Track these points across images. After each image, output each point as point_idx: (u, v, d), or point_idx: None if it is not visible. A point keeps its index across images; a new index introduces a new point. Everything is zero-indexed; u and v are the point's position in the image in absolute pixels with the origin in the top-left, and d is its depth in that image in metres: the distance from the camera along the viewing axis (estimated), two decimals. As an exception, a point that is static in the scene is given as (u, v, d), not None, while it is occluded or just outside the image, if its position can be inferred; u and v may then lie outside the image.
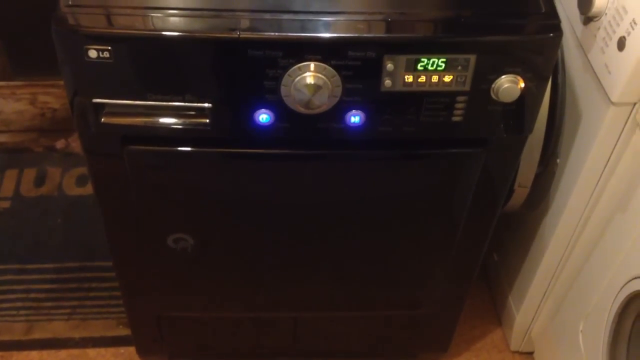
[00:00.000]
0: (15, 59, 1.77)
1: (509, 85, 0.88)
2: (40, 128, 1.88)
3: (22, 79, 1.80)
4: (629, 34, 0.90)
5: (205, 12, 0.86)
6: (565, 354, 1.29)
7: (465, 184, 1.04)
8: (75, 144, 1.85)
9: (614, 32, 0.92)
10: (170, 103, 0.89)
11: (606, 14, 0.94)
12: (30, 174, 1.79)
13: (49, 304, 1.53)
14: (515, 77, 0.88)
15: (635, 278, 1.02)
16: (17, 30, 1.72)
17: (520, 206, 1.18)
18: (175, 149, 0.96)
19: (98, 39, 0.83)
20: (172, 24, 0.85)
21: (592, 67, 1.00)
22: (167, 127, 0.92)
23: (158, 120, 0.92)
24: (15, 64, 1.77)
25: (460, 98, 0.90)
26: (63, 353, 1.45)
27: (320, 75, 0.85)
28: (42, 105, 1.84)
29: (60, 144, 1.87)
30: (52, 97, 1.83)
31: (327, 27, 0.85)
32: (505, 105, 0.91)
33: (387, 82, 0.87)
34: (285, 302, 1.29)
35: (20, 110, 1.85)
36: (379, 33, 0.87)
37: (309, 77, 0.85)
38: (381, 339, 1.43)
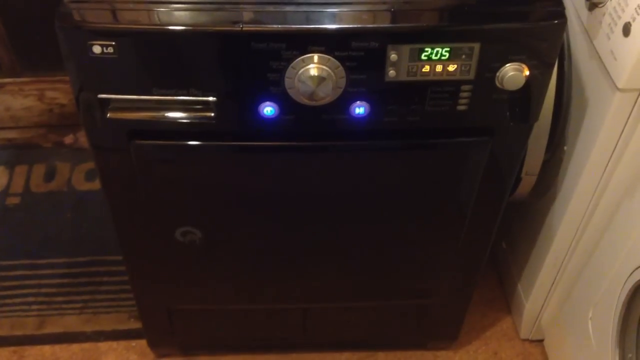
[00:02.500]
0: (22, 55, 1.77)
1: (513, 73, 0.88)
2: (48, 124, 1.89)
3: (30, 75, 1.80)
4: (634, 19, 0.89)
5: (208, 5, 0.86)
6: (574, 341, 1.29)
7: (472, 172, 1.04)
8: (83, 139, 1.86)
9: (619, 18, 0.92)
10: (175, 97, 0.89)
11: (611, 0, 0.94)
12: (39, 169, 1.80)
13: (61, 298, 1.54)
14: (520, 65, 0.88)
15: (644, 264, 1.02)
16: (23, 26, 1.73)
17: (528, 194, 1.18)
18: (181, 142, 0.96)
19: (102, 34, 0.83)
20: (175, 18, 0.85)
21: (597, 53, 0.99)
22: (172, 121, 0.92)
23: (163, 115, 0.92)
24: (23, 60, 1.78)
25: (465, 87, 0.90)
26: (75, 347, 1.46)
27: (324, 66, 0.85)
28: (50, 101, 1.85)
29: (68, 139, 1.87)
30: (60, 92, 1.84)
31: (330, 18, 0.85)
32: (511, 93, 0.91)
33: (391, 73, 0.87)
34: (294, 294, 1.30)
35: (28, 106, 1.86)
36: (382, 23, 0.87)
37: (313, 69, 0.85)
38: (391, 328, 1.43)
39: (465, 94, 0.91)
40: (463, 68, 0.87)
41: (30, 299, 1.53)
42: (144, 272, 1.22)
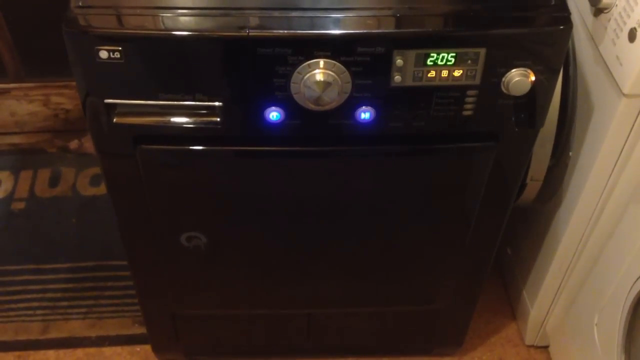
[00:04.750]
0: (28, 60, 1.78)
1: (519, 78, 0.88)
2: (53, 129, 1.89)
3: (35, 81, 1.81)
4: (640, 25, 0.89)
5: (214, 11, 0.86)
6: (580, 347, 1.29)
7: (477, 178, 1.04)
8: (88, 144, 1.87)
9: (625, 23, 0.92)
10: (182, 102, 0.90)
11: (616, 5, 0.94)
12: (44, 174, 1.81)
13: (65, 303, 1.54)
14: (525, 71, 0.88)
15: (650, 270, 1.02)
16: (29, 31, 1.73)
17: (533, 200, 1.18)
18: (187, 147, 0.96)
19: (109, 39, 0.83)
20: (181, 23, 0.85)
21: (603, 59, 0.99)
22: (178, 126, 0.93)
23: (170, 120, 0.92)
24: (28, 65, 1.79)
25: (471, 92, 0.90)
26: (79, 352, 1.46)
27: (329, 72, 0.86)
28: (55, 106, 1.86)
29: (73, 144, 1.88)
30: (65, 97, 1.84)
31: (336, 23, 0.85)
32: (516, 98, 0.91)
33: (397, 78, 0.87)
34: (299, 299, 1.30)
35: (33, 112, 1.86)
36: (388, 28, 0.87)
37: (319, 74, 0.85)
38: (396, 334, 1.43)
39: (470, 99, 0.91)
40: (469, 73, 0.88)
41: (35, 303, 1.54)
42: (149, 277, 1.22)
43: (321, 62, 0.85)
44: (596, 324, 1.21)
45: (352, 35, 0.85)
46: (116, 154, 0.99)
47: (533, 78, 0.89)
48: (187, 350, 1.43)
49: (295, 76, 0.86)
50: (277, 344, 1.44)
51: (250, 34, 0.83)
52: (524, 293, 1.44)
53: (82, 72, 0.87)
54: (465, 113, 0.92)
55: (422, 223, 1.13)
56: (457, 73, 0.88)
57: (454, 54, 0.86)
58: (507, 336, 1.50)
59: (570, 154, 1.14)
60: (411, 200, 1.08)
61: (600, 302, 1.19)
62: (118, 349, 1.47)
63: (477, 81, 0.89)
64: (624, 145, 1.03)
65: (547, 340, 1.46)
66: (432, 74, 0.87)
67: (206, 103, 0.90)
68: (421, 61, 0.86)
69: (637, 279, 1.05)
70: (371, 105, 0.91)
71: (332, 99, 0.88)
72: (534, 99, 0.92)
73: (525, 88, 0.89)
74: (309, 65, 0.85)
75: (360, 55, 0.85)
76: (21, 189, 1.77)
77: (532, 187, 1.15)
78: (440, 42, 0.86)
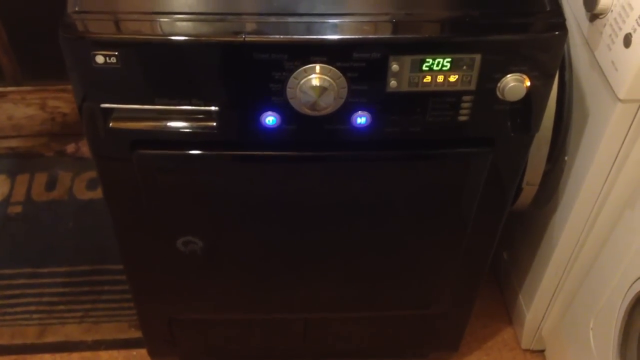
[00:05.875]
0: (25, 64, 1.78)
1: (514, 84, 0.88)
2: (50, 132, 1.89)
3: (32, 84, 1.81)
4: (634, 30, 0.89)
5: (210, 16, 0.86)
6: (576, 351, 1.29)
7: (473, 183, 1.04)
8: (85, 148, 1.86)
9: (620, 29, 0.92)
10: (178, 107, 0.90)
11: (612, 10, 0.94)
12: (41, 178, 1.81)
13: (62, 307, 1.54)
14: (521, 76, 0.88)
15: (645, 275, 1.02)
16: (26, 35, 1.73)
17: (529, 204, 1.18)
18: (183, 152, 0.96)
19: (105, 44, 0.84)
20: (178, 28, 0.85)
21: (598, 64, 1.00)
22: (175, 131, 0.93)
23: (166, 124, 0.92)
24: (25, 69, 1.79)
25: (466, 98, 0.90)
26: (76, 356, 1.46)
27: (325, 77, 0.86)
28: (52, 110, 1.86)
29: (70, 148, 1.88)
30: (62, 101, 1.84)
31: (332, 29, 0.86)
32: (512, 104, 0.91)
33: (393, 83, 0.88)
34: (295, 303, 1.30)
35: (30, 115, 1.86)
36: (384, 34, 0.87)
37: (315, 79, 0.86)
38: (392, 338, 1.43)
39: (466, 104, 0.91)
40: (464, 79, 0.88)
41: (32, 307, 1.53)
42: (145, 282, 1.22)
43: (317, 67, 0.85)
44: (592, 328, 1.21)
45: (349, 40, 0.85)
46: (113, 158, 0.99)
47: (528, 83, 0.89)
48: (183, 355, 1.43)
49: (291, 81, 0.86)
50: (274, 348, 1.44)
51: (246, 39, 0.84)
52: (520, 297, 1.44)
53: (78, 76, 0.88)
54: (461, 118, 0.93)
55: (418, 227, 1.13)
56: (453, 78, 0.88)
57: (449, 60, 0.86)
58: (503, 340, 1.51)
59: (566, 158, 1.14)
60: (407, 205, 1.08)
61: (595, 306, 1.19)
62: (114, 353, 1.47)
63: (473, 86, 0.89)
64: (620, 150, 1.04)
65: (543, 345, 1.46)
66: (428, 79, 0.88)
67: (202, 108, 0.90)
68: (417, 67, 0.86)
69: (633, 283, 1.05)
70: (367, 111, 0.91)
71: (328, 104, 0.88)
72: (530, 104, 0.92)
73: (520, 93, 0.89)
74: (305, 70, 0.85)
75: (356, 61, 0.85)
76: (18, 193, 1.77)
77: (528, 191, 1.15)
78: (436, 48, 0.86)
